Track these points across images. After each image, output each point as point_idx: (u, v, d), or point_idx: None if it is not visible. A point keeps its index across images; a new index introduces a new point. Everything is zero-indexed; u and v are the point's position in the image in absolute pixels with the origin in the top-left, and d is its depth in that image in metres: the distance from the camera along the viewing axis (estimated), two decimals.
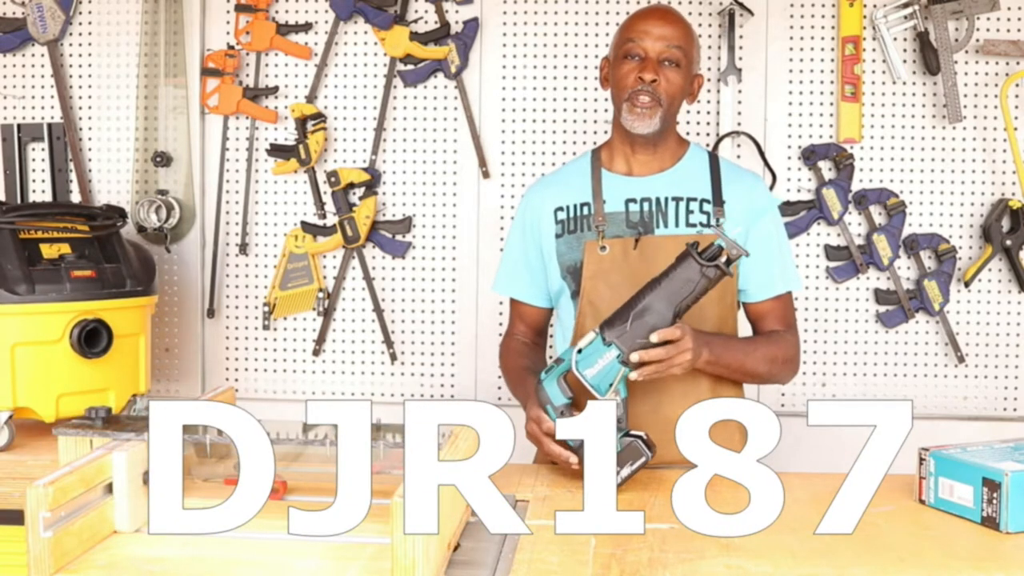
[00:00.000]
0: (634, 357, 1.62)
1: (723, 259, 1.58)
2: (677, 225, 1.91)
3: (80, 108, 2.81)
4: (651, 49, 1.89)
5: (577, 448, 1.66)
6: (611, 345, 1.63)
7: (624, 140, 1.97)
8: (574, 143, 2.74)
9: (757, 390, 2.62)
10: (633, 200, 1.93)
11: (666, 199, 1.92)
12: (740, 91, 2.69)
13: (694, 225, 1.91)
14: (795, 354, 1.94)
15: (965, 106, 2.65)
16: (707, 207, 1.92)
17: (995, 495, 1.42)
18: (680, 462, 1.86)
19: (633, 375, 1.63)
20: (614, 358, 1.63)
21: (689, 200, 1.93)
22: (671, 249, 1.85)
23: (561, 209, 1.98)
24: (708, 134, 2.70)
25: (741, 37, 2.68)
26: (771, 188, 2.64)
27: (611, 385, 1.65)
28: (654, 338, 1.61)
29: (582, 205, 1.96)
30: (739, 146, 2.68)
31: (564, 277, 1.95)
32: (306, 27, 2.76)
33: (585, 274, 1.90)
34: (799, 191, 2.70)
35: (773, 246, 1.94)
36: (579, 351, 1.65)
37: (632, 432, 1.66)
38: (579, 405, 1.67)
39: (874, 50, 2.67)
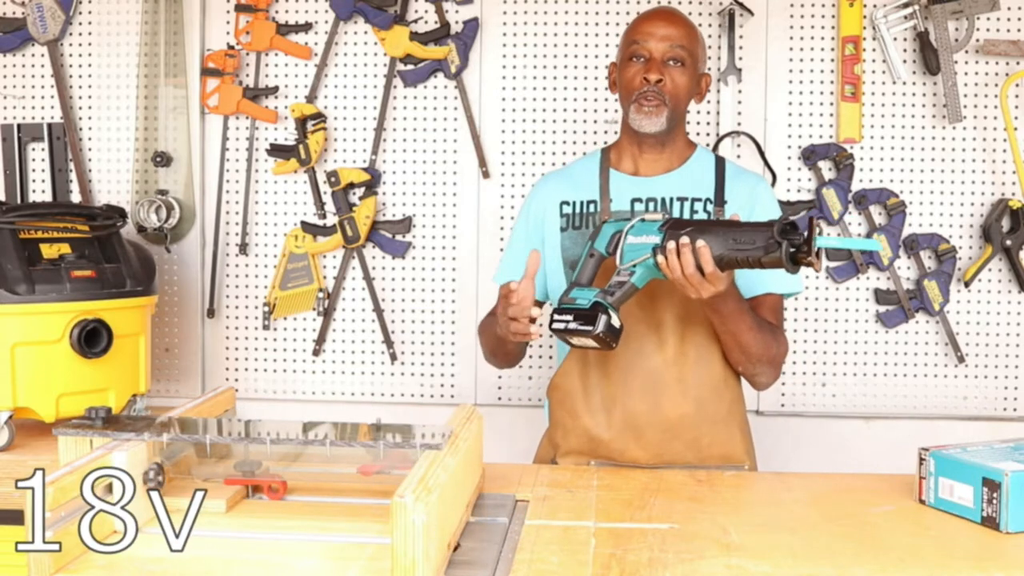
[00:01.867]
0: (670, 244, 1.62)
1: (792, 250, 1.54)
2: None
3: (80, 108, 2.81)
4: (655, 50, 1.90)
5: (571, 283, 1.74)
6: (662, 233, 1.64)
7: (632, 140, 1.97)
8: (574, 143, 2.74)
9: (757, 392, 2.62)
10: (639, 199, 1.94)
11: (671, 199, 1.93)
12: (740, 91, 2.69)
13: None
14: (783, 356, 1.94)
15: (965, 106, 2.65)
16: (710, 207, 1.92)
17: (995, 495, 1.42)
18: (680, 462, 1.88)
19: (660, 259, 1.64)
20: (653, 243, 1.65)
21: (693, 200, 1.93)
22: None
23: (567, 204, 1.99)
24: (708, 134, 2.70)
25: (741, 37, 2.68)
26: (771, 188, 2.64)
27: (632, 262, 1.67)
28: (699, 243, 1.60)
29: (589, 202, 1.97)
30: (739, 146, 2.68)
31: (566, 272, 1.96)
32: (306, 27, 2.76)
33: None
34: (799, 191, 2.70)
35: None
36: (643, 220, 1.69)
37: (612, 311, 1.66)
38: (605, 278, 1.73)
39: (874, 50, 2.67)
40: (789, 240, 1.55)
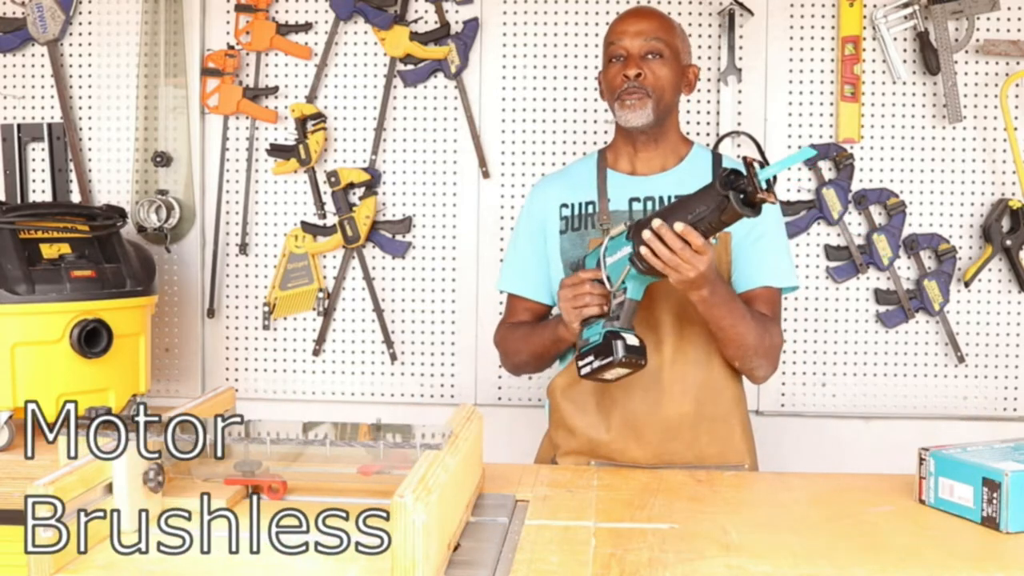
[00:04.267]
0: (646, 234, 1.62)
1: (741, 196, 1.53)
2: None
3: (80, 108, 2.81)
4: (631, 46, 1.92)
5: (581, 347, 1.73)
6: (630, 241, 1.66)
7: (626, 141, 1.97)
8: (574, 143, 2.74)
9: (757, 392, 2.63)
10: (636, 199, 1.94)
11: (668, 197, 1.93)
12: (740, 91, 2.69)
13: None
14: (779, 347, 1.93)
15: (965, 106, 2.65)
16: None
17: (995, 495, 1.42)
18: (680, 462, 1.88)
19: (645, 251, 1.63)
20: (627, 254, 1.66)
21: None
22: None
23: (566, 206, 1.99)
24: (708, 134, 2.70)
25: (741, 37, 2.68)
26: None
27: (620, 279, 1.68)
28: (678, 227, 1.60)
29: (587, 203, 1.97)
30: (739, 146, 2.68)
31: (567, 273, 1.95)
32: (306, 27, 2.76)
33: None
34: (799, 191, 2.70)
35: (766, 238, 1.93)
36: (611, 237, 1.71)
37: (624, 332, 1.68)
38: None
39: (874, 50, 2.67)
40: (735, 188, 1.55)
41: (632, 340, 1.68)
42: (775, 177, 1.52)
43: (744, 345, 1.85)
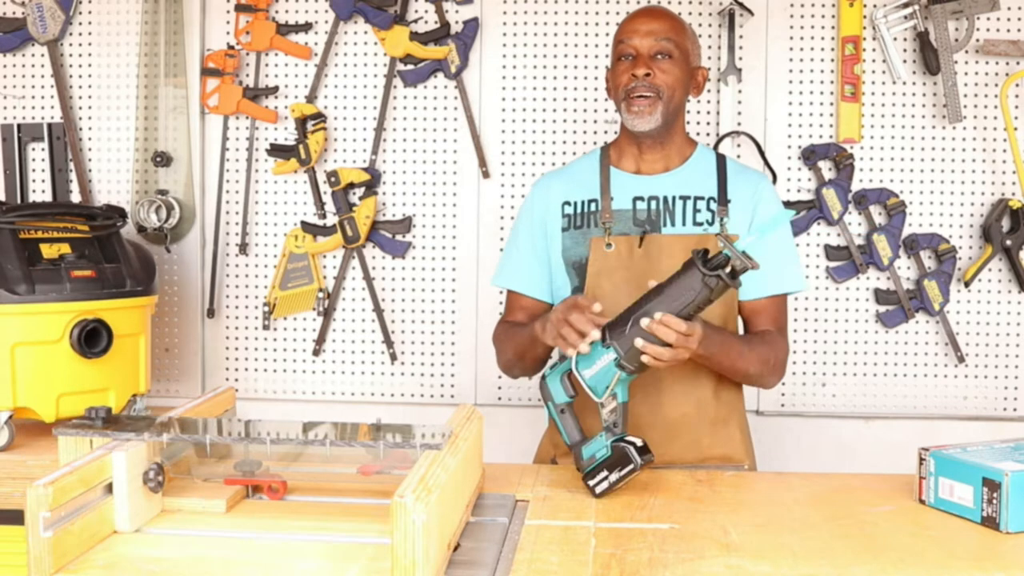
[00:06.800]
0: (638, 342, 1.56)
1: (728, 269, 1.52)
2: (684, 224, 1.91)
3: (80, 108, 2.81)
4: (641, 46, 1.90)
5: (572, 447, 1.66)
6: (610, 347, 1.60)
7: (631, 141, 1.96)
8: (574, 143, 2.74)
9: (757, 392, 2.63)
10: (640, 198, 1.93)
11: (673, 198, 1.92)
12: (740, 91, 2.69)
13: (700, 224, 1.90)
14: (784, 359, 1.94)
15: (965, 106, 2.65)
16: (713, 205, 1.92)
17: (995, 495, 1.42)
18: (680, 462, 1.88)
19: (645, 358, 1.57)
20: (611, 360, 1.60)
21: (696, 199, 1.92)
22: (675, 249, 1.84)
23: (568, 204, 1.98)
24: (708, 134, 2.70)
25: (741, 37, 2.68)
26: None
27: (607, 388, 1.61)
28: (657, 315, 1.54)
29: (590, 201, 1.96)
30: (739, 146, 2.68)
31: (568, 272, 1.95)
32: (306, 27, 2.76)
33: (590, 271, 1.90)
34: (799, 191, 2.70)
35: (772, 244, 1.92)
36: (578, 353, 1.63)
37: (628, 437, 1.62)
38: (584, 406, 1.66)
39: (874, 50, 2.67)
40: (715, 264, 1.52)
41: (638, 442, 1.62)
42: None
43: (747, 375, 1.89)
